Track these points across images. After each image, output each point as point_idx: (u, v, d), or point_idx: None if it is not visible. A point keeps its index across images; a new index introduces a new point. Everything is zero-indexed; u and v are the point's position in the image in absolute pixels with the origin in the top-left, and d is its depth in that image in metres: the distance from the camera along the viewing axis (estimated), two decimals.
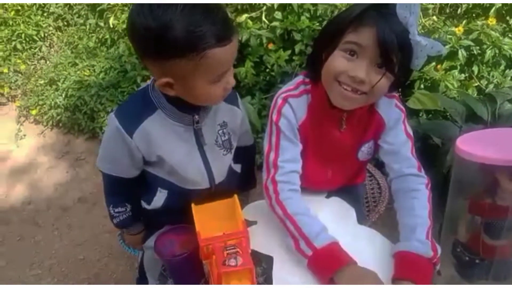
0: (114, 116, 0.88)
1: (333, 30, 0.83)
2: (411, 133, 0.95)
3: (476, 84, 1.90)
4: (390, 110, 0.93)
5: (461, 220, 1.04)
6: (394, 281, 0.78)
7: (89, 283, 1.71)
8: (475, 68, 1.91)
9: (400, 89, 0.94)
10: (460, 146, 0.89)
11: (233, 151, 1.01)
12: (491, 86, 1.89)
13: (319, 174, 1.03)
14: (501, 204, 0.93)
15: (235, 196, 0.88)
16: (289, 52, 1.99)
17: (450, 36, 1.86)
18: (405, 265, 0.79)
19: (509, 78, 1.88)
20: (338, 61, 0.81)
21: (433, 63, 1.94)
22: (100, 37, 2.80)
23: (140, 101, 0.89)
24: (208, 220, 0.85)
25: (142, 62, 0.84)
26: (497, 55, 1.86)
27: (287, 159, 0.91)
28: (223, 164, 1.00)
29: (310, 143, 0.96)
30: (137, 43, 0.78)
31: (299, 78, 0.95)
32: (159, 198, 0.98)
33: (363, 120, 0.94)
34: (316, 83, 0.90)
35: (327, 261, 0.79)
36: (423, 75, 1.94)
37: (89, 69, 2.65)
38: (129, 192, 1.02)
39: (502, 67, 1.93)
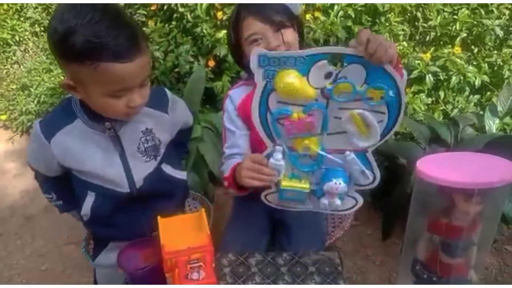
0: (37, 122, 0.92)
1: (233, 35, 1.05)
2: None
3: (442, 108, 1.99)
4: None
5: (420, 239, 1.07)
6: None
7: None
8: (441, 93, 2.00)
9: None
10: (420, 167, 0.92)
11: (159, 158, 1.00)
12: (455, 110, 1.98)
13: None
14: (456, 224, 0.97)
15: (202, 210, 0.88)
16: None
17: (418, 62, 1.95)
18: None
19: (472, 103, 1.98)
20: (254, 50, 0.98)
21: None
22: None
23: (63, 110, 0.92)
24: (173, 233, 0.85)
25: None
26: (461, 81, 1.96)
27: (228, 146, 1.11)
28: (144, 170, 0.98)
29: None
30: (49, 44, 0.82)
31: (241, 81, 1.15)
32: (88, 201, 0.97)
33: None
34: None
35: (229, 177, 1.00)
36: None
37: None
38: (52, 185, 1.06)
39: (466, 93, 2.03)
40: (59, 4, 0.80)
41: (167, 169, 1.04)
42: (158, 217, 0.88)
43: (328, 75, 0.80)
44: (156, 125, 0.98)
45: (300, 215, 1.19)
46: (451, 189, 0.91)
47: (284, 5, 1.00)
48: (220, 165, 1.13)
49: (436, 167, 0.92)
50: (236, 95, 1.10)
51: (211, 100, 2.20)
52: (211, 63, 2.17)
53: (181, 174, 1.09)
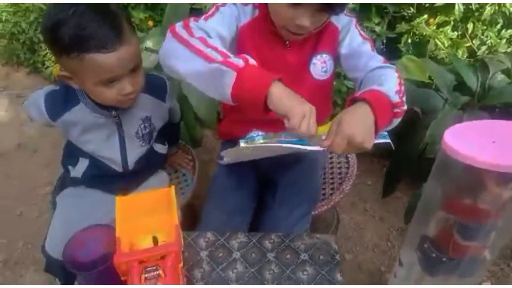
0: (43, 96, 0.93)
1: None
2: (368, 36, 0.94)
3: (468, 44, 1.71)
4: (340, 16, 0.92)
5: (434, 216, 0.93)
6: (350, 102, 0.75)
7: (25, 243, 1.54)
8: (469, 26, 1.70)
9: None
10: (447, 141, 0.76)
11: (152, 141, 1.07)
12: (483, 48, 1.69)
13: None
14: (482, 207, 0.82)
15: (172, 187, 0.75)
16: None
17: None
18: (365, 92, 0.75)
19: (504, 40, 1.68)
20: (283, 11, 0.82)
21: (425, 16, 1.71)
22: None
23: (67, 92, 0.94)
24: (135, 216, 0.71)
25: None
26: (496, 12, 1.64)
27: (211, 22, 0.84)
28: (138, 154, 1.05)
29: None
30: (43, 39, 0.86)
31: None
32: (82, 165, 1.03)
33: (312, 33, 0.90)
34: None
35: (261, 72, 0.70)
36: (412, 28, 1.72)
37: None
38: None
39: (498, 27, 1.73)
40: None
41: (156, 147, 1.11)
42: (117, 197, 0.74)
43: None
44: (154, 112, 1.03)
45: (291, 170, 1.03)
46: (485, 170, 0.74)
47: None
48: (179, 27, 0.80)
49: (466, 141, 0.76)
50: (243, 11, 0.90)
51: None
52: None
53: (164, 149, 1.15)
